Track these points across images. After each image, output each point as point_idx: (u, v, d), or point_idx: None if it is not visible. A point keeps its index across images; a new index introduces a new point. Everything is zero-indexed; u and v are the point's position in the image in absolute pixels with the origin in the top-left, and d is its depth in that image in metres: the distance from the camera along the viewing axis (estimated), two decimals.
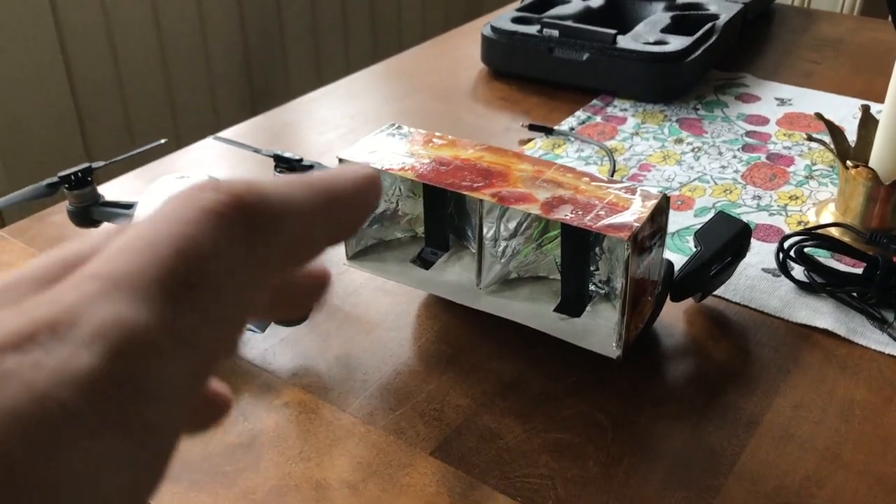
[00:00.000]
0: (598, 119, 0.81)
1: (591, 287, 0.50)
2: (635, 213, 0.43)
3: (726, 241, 0.53)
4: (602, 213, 0.43)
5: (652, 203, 0.44)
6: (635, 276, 0.44)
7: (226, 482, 0.44)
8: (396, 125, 0.53)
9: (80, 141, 1.39)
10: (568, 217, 0.43)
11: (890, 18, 0.90)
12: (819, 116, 0.64)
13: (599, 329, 0.48)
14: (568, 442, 0.46)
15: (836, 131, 0.64)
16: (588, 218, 0.43)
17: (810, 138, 0.62)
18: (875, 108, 0.65)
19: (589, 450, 0.46)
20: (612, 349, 0.46)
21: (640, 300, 0.46)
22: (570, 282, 0.49)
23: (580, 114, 0.82)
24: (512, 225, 0.50)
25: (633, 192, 0.45)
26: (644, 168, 0.72)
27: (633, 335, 0.46)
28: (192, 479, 0.44)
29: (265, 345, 0.53)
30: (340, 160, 0.51)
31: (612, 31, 0.83)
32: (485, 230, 0.49)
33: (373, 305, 0.57)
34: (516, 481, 0.44)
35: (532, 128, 0.79)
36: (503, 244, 0.50)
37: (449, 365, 0.52)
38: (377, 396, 0.49)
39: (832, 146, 0.63)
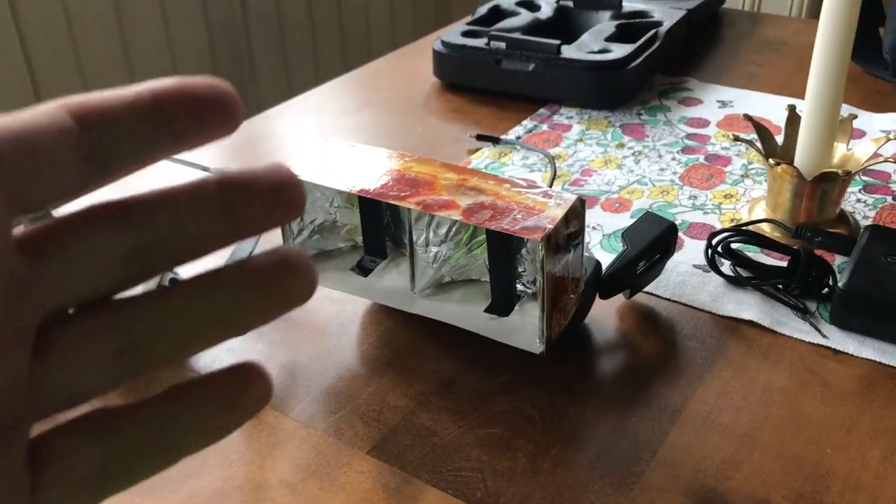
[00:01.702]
0: (545, 127, 0.83)
1: (520, 287, 0.52)
2: (549, 215, 0.45)
3: (652, 239, 0.55)
4: (519, 216, 0.45)
5: (566, 206, 0.46)
6: (553, 275, 0.46)
7: (172, 486, 0.46)
8: (332, 140, 0.55)
9: None
10: (486, 221, 0.45)
11: None
12: (747, 118, 0.67)
13: (526, 327, 0.50)
14: (499, 436, 0.48)
15: (763, 132, 0.67)
16: (505, 221, 0.45)
17: (737, 139, 0.65)
18: (801, 106, 0.67)
19: (518, 443, 0.48)
20: (535, 345, 0.48)
21: (562, 297, 0.48)
22: (498, 283, 0.52)
23: (527, 123, 0.84)
24: (442, 231, 0.52)
25: (550, 196, 0.47)
26: (586, 173, 0.75)
27: (556, 331, 0.48)
28: (136, 485, 0.46)
29: (211, 355, 0.55)
30: None
31: (556, 42, 0.86)
32: (415, 237, 0.52)
33: (318, 313, 0.59)
34: (448, 475, 0.46)
35: (480, 138, 0.81)
36: (434, 249, 0.52)
37: (389, 368, 0.54)
38: (319, 401, 0.52)
39: (759, 145, 0.66)
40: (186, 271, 0.63)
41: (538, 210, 0.46)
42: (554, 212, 0.46)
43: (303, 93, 0.96)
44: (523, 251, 0.51)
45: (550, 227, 0.44)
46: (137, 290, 0.20)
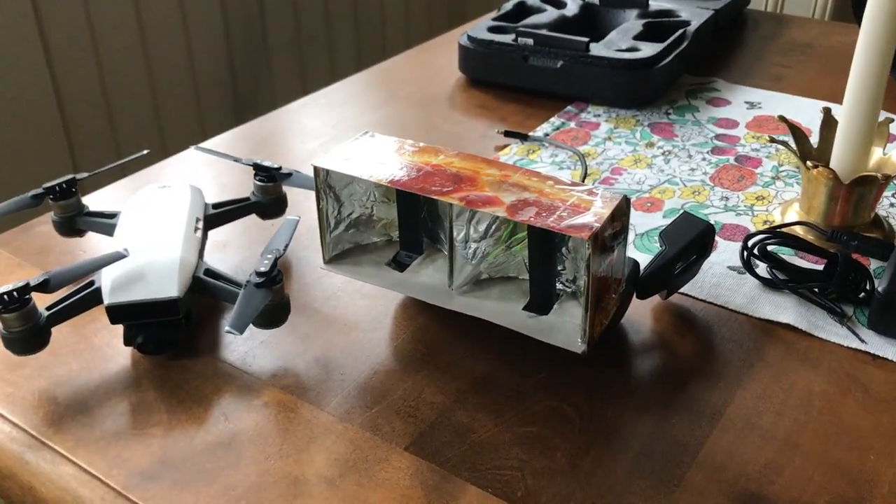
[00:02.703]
0: (573, 125, 0.83)
1: (559, 285, 0.52)
2: (596, 213, 0.45)
3: (690, 240, 0.55)
4: (564, 214, 0.45)
5: (612, 204, 0.46)
6: (597, 274, 0.46)
7: (207, 479, 0.46)
8: (370, 133, 0.55)
9: (67, 152, 1.40)
10: (531, 218, 0.45)
11: (857, 24, 0.93)
12: (782, 119, 0.66)
13: (566, 325, 0.49)
14: (537, 435, 0.48)
15: (798, 133, 0.66)
16: (551, 219, 0.45)
17: (773, 140, 0.64)
18: (837, 109, 0.67)
19: (557, 442, 0.48)
20: (577, 344, 0.48)
21: (604, 297, 0.48)
22: (537, 281, 0.51)
23: (555, 120, 0.84)
24: (482, 227, 0.52)
25: (595, 193, 0.47)
26: (616, 172, 0.74)
27: (597, 331, 0.48)
28: (174, 477, 0.46)
29: (245, 348, 0.55)
30: (315, 168, 0.53)
31: (585, 39, 0.85)
32: (455, 233, 0.51)
33: (351, 308, 0.58)
34: (487, 473, 0.46)
35: (508, 134, 0.81)
36: (473, 246, 0.52)
37: (424, 363, 0.53)
38: (354, 395, 0.51)
39: (794, 147, 0.65)
40: (214, 260, 0.63)
41: (584, 208, 0.46)
42: (600, 210, 0.45)
43: (316, 86, 0.95)
44: (563, 249, 0.51)
45: (597, 225, 0.44)
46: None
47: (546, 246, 0.50)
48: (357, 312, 0.58)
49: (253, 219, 0.66)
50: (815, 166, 0.62)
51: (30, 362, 0.54)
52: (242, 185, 0.74)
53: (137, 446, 0.48)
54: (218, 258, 0.64)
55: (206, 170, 0.77)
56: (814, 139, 0.68)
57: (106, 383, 0.52)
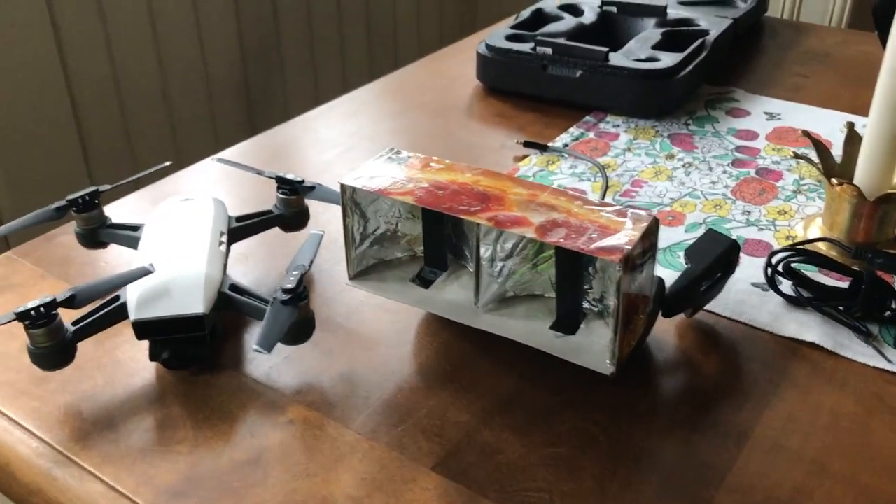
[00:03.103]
0: (591, 135, 0.83)
1: (585, 305, 0.52)
2: (626, 235, 0.45)
3: (716, 257, 0.55)
4: (594, 235, 0.45)
5: (642, 225, 0.46)
6: (628, 294, 0.45)
7: (235, 498, 0.46)
8: (395, 150, 0.55)
9: (82, 162, 1.41)
10: (562, 240, 0.45)
11: (876, 33, 0.92)
12: (806, 134, 0.66)
13: (593, 346, 0.49)
14: (564, 456, 0.48)
15: (821, 148, 0.66)
16: (581, 241, 0.45)
17: (797, 156, 0.64)
18: (860, 122, 0.67)
19: (584, 464, 0.47)
20: (605, 366, 0.48)
21: (633, 318, 0.48)
22: (564, 300, 0.51)
23: (574, 130, 0.84)
24: (508, 246, 0.52)
25: (624, 214, 0.47)
26: (636, 184, 0.74)
27: (626, 352, 0.48)
28: (202, 495, 0.46)
29: (269, 363, 0.55)
30: (342, 185, 0.52)
31: (604, 49, 0.85)
32: (482, 251, 0.51)
33: (374, 324, 0.58)
34: (515, 495, 0.46)
35: (527, 144, 0.81)
36: (500, 264, 0.52)
37: (448, 381, 0.53)
38: (380, 413, 0.51)
39: (818, 163, 0.65)
40: (235, 273, 0.63)
41: (613, 229, 0.45)
42: (630, 231, 0.45)
43: (328, 94, 0.95)
44: (591, 268, 0.51)
45: (628, 248, 0.44)
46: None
47: (574, 266, 0.50)
48: (380, 328, 0.58)
49: (273, 231, 0.66)
50: (840, 183, 0.62)
51: (55, 377, 0.54)
52: (261, 198, 0.74)
53: (164, 463, 0.48)
54: (239, 271, 0.64)
55: (224, 181, 0.77)
56: (835, 151, 0.67)
57: (131, 398, 0.52)
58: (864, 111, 0.88)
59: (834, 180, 0.63)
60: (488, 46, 0.91)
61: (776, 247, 0.65)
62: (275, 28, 1.66)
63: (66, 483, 0.47)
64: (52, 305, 0.49)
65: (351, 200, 0.53)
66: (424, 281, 0.55)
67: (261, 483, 0.47)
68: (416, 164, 0.53)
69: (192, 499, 0.46)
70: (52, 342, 0.50)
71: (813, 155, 0.66)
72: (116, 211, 0.72)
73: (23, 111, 1.30)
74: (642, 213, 0.47)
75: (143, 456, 0.48)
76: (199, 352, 0.53)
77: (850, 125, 0.67)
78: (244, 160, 0.80)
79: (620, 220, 0.46)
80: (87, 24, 1.35)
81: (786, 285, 0.60)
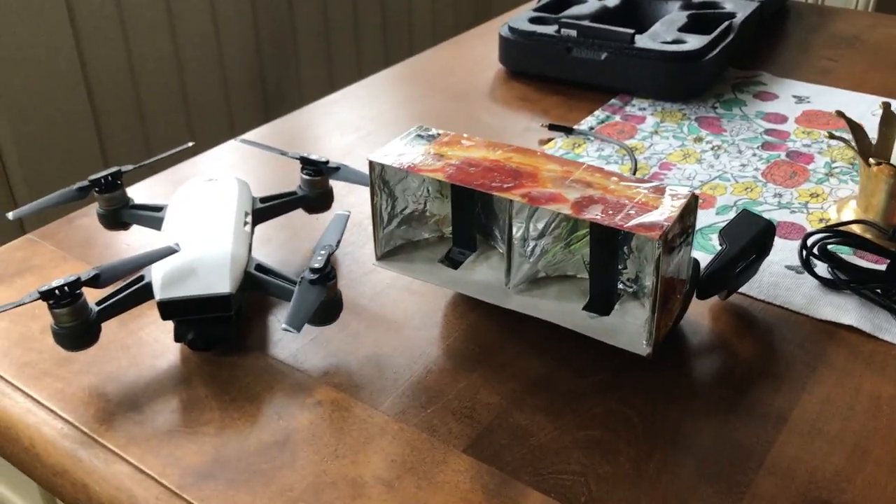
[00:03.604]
0: (618, 118, 0.81)
1: (619, 285, 0.51)
2: (665, 212, 0.44)
3: (751, 238, 0.54)
4: (632, 212, 0.44)
5: (681, 202, 0.44)
6: (665, 275, 0.44)
7: (263, 480, 0.45)
8: (424, 127, 0.54)
9: (98, 148, 1.40)
10: (599, 217, 0.44)
11: None
12: (840, 114, 0.65)
13: (628, 327, 0.48)
14: (598, 438, 0.47)
15: (856, 129, 0.64)
16: (619, 217, 0.43)
17: (832, 136, 0.62)
18: (894, 104, 0.65)
19: (620, 446, 0.46)
20: (642, 346, 0.47)
21: (670, 298, 0.46)
22: (598, 280, 0.50)
23: (599, 113, 0.82)
24: (540, 225, 0.50)
25: (662, 191, 0.45)
26: (665, 167, 0.73)
27: (662, 333, 0.47)
28: (230, 477, 0.45)
29: (296, 345, 0.54)
30: (371, 162, 0.51)
31: (630, 31, 0.83)
32: (514, 230, 0.50)
33: (400, 305, 0.57)
34: (549, 478, 0.45)
35: (552, 127, 0.79)
36: (532, 244, 0.51)
37: (478, 363, 0.52)
38: (408, 395, 0.50)
39: (853, 144, 0.63)
40: (259, 255, 0.62)
41: (652, 206, 0.44)
42: (669, 208, 0.44)
43: (343, 79, 0.94)
44: (625, 248, 0.50)
45: (667, 224, 0.43)
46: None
47: (608, 245, 0.49)
48: (407, 309, 0.57)
49: (296, 213, 0.65)
50: (878, 163, 0.61)
51: (79, 358, 0.53)
52: (282, 180, 0.73)
53: (190, 445, 0.47)
54: (263, 252, 0.63)
55: (243, 164, 0.76)
56: (868, 134, 0.66)
57: (156, 380, 0.52)
58: (895, 94, 0.86)
59: (871, 160, 0.61)
60: (511, 29, 0.90)
61: (809, 229, 0.64)
62: (290, 16, 1.65)
63: (91, 464, 0.46)
64: (77, 284, 0.48)
65: (379, 178, 0.52)
66: (453, 261, 0.54)
67: (289, 465, 0.46)
68: (445, 142, 0.52)
69: (219, 480, 0.45)
70: (76, 322, 0.49)
71: (848, 136, 0.64)
72: (134, 194, 0.72)
73: (39, 98, 1.30)
74: (680, 190, 0.45)
75: (168, 437, 0.48)
76: (225, 333, 0.52)
77: (887, 105, 0.65)
78: (264, 143, 0.79)
79: (658, 197, 0.45)
80: (103, 11, 1.34)
81: (821, 268, 0.59)
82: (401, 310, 0.57)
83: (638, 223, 0.43)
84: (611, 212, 0.44)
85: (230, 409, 0.49)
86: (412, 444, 0.47)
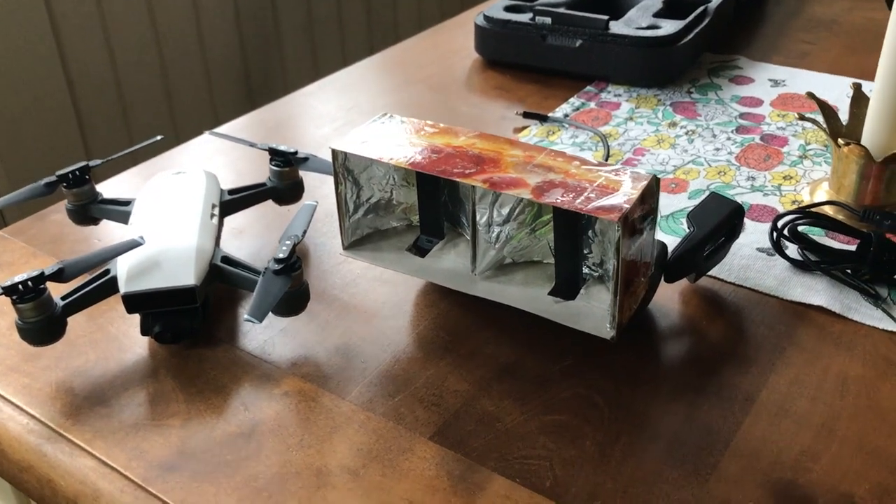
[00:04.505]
0: (593, 105, 0.81)
1: (585, 270, 0.51)
2: (625, 194, 0.43)
3: (719, 221, 0.53)
4: (592, 195, 0.44)
5: (641, 184, 0.44)
6: (627, 258, 0.44)
7: (228, 471, 0.45)
8: (388, 115, 0.53)
9: (79, 139, 1.40)
10: (559, 200, 0.43)
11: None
12: (811, 96, 0.65)
13: (593, 311, 0.48)
14: (565, 423, 0.47)
15: (827, 110, 0.64)
16: (579, 201, 0.43)
17: (802, 118, 0.62)
18: (867, 86, 0.65)
19: (586, 430, 0.46)
20: (606, 330, 0.46)
21: (633, 281, 0.46)
22: (563, 265, 0.50)
23: (574, 100, 0.82)
24: (505, 210, 0.50)
25: (623, 174, 0.45)
26: (638, 152, 0.72)
27: (626, 316, 0.47)
28: (194, 469, 0.45)
29: (264, 336, 0.54)
30: (333, 151, 0.51)
31: (605, 17, 0.83)
32: (478, 216, 0.50)
33: (370, 294, 0.57)
34: (514, 463, 0.44)
35: (527, 115, 0.79)
36: (497, 230, 0.51)
37: (447, 351, 0.52)
38: (376, 384, 0.50)
39: (824, 125, 0.63)
40: (230, 247, 0.62)
41: (612, 189, 0.44)
42: (629, 191, 0.44)
43: (328, 69, 0.94)
44: (590, 232, 0.50)
45: (627, 206, 0.42)
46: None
47: (572, 229, 0.48)
48: (377, 299, 0.57)
49: (269, 205, 0.65)
50: (847, 144, 0.61)
51: (46, 353, 0.53)
52: (257, 171, 0.73)
53: (156, 437, 0.47)
54: (234, 245, 0.63)
55: (220, 156, 0.76)
56: (842, 117, 0.66)
57: (123, 373, 0.51)
58: (870, 77, 0.86)
59: (841, 141, 0.61)
60: (486, 18, 0.90)
61: (782, 211, 0.64)
62: (273, 8, 1.64)
63: (56, 459, 0.46)
64: (40, 279, 0.48)
65: (343, 167, 0.52)
66: (420, 250, 0.54)
67: (254, 455, 0.46)
68: (409, 129, 0.51)
69: (184, 472, 0.45)
70: (40, 316, 0.49)
71: (819, 118, 0.64)
72: (110, 188, 0.71)
73: (18, 91, 1.29)
74: (642, 172, 0.45)
75: (135, 431, 0.47)
76: (192, 325, 0.52)
77: (857, 86, 0.65)
78: (241, 135, 0.79)
79: (619, 179, 0.45)
80: (82, 2, 1.33)
81: (792, 250, 0.59)
82: (371, 299, 0.57)
83: (598, 206, 0.43)
84: (571, 195, 0.44)
85: (196, 402, 0.49)
86: (378, 432, 0.47)
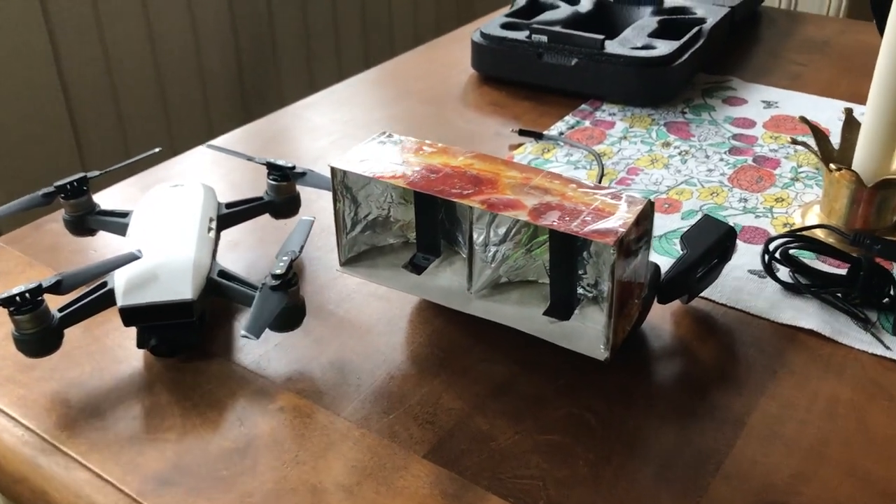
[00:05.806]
0: (587, 123, 0.82)
1: (580, 290, 0.51)
2: (621, 218, 0.44)
3: (712, 243, 0.54)
4: (588, 218, 0.44)
5: (637, 209, 0.45)
6: (622, 280, 0.45)
7: (223, 487, 0.45)
8: (387, 133, 0.54)
9: (75, 150, 1.40)
10: (555, 223, 0.44)
11: (875, 22, 0.92)
12: (803, 120, 0.65)
13: (588, 331, 0.49)
14: (558, 443, 0.47)
15: (819, 134, 0.65)
16: (575, 224, 0.44)
17: (794, 141, 0.63)
18: (858, 110, 0.66)
19: (578, 450, 0.47)
20: (599, 351, 0.47)
21: (627, 303, 0.47)
22: (558, 286, 0.50)
23: (569, 118, 0.83)
24: (501, 230, 0.51)
25: (619, 197, 0.46)
26: (632, 172, 0.73)
27: (620, 337, 0.47)
28: (189, 484, 0.45)
29: (259, 351, 0.54)
30: (332, 168, 0.52)
31: (600, 37, 0.84)
32: (475, 236, 0.50)
33: (366, 310, 0.58)
34: (508, 482, 0.45)
35: (522, 133, 0.80)
36: (493, 249, 0.51)
37: (441, 368, 0.53)
38: (371, 400, 0.50)
39: (816, 149, 0.64)
40: (226, 260, 0.62)
41: (608, 212, 0.45)
42: (625, 214, 0.44)
43: (324, 83, 0.94)
44: (585, 253, 0.50)
45: (622, 230, 0.43)
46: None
47: (568, 250, 0.49)
48: (372, 315, 0.57)
49: (265, 218, 0.65)
50: (838, 168, 0.61)
51: (42, 364, 0.53)
52: (253, 184, 0.73)
53: (151, 451, 0.47)
54: (230, 258, 0.63)
55: (216, 168, 0.76)
56: (834, 139, 0.67)
57: (119, 386, 0.52)
58: (862, 100, 0.87)
59: (832, 166, 0.62)
60: (483, 34, 0.91)
61: (773, 234, 0.64)
62: (269, 16, 1.65)
63: (51, 471, 0.46)
64: (38, 291, 0.48)
65: (342, 184, 0.53)
66: (417, 267, 0.55)
67: (249, 471, 0.46)
68: (408, 148, 0.52)
69: (179, 487, 0.45)
70: (37, 328, 0.49)
71: (811, 142, 0.65)
72: (109, 199, 0.72)
73: (14, 101, 1.29)
74: (637, 196, 0.46)
75: (130, 444, 0.48)
76: (188, 339, 0.52)
77: (849, 111, 0.66)
78: (236, 148, 0.79)
79: (615, 202, 0.45)
80: (79, 11, 1.34)
81: (783, 272, 0.60)
82: (366, 315, 0.57)
83: (593, 229, 0.43)
84: (567, 218, 0.44)
85: (192, 416, 0.49)
86: (373, 449, 0.47)
